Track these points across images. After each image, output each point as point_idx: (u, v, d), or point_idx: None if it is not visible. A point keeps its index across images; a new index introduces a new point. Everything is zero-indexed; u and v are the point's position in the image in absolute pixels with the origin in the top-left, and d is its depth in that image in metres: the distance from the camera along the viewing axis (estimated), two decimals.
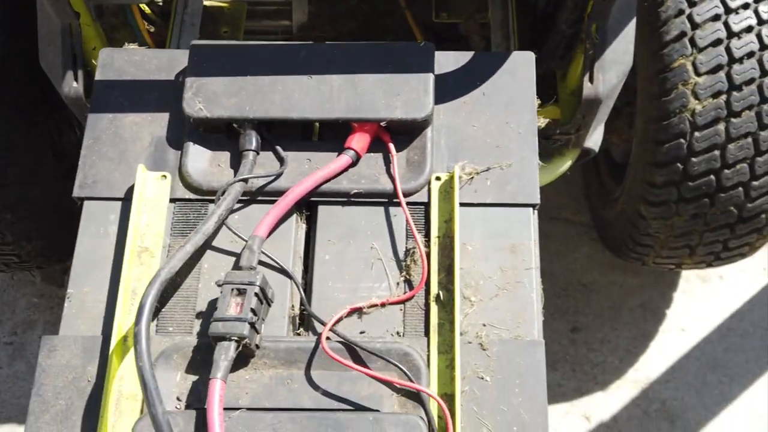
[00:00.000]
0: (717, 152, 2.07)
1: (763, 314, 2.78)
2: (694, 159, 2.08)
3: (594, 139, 2.15)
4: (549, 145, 2.10)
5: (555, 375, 2.65)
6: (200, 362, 1.42)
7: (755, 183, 2.11)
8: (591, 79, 1.88)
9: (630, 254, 2.48)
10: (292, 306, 1.51)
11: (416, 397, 1.39)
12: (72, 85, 1.84)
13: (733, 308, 2.80)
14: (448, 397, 1.39)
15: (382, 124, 1.57)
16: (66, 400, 1.41)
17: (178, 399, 1.41)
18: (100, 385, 1.41)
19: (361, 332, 1.47)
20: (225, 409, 1.33)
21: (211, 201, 1.55)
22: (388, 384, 1.40)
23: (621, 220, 2.44)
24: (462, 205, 1.54)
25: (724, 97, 2.02)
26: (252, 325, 1.38)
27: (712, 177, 2.10)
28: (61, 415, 1.40)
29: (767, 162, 2.09)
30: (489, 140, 1.60)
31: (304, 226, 1.58)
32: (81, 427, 1.39)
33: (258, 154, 1.58)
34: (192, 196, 1.57)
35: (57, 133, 2.45)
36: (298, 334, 1.49)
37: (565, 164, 2.17)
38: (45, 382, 1.42)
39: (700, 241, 2.26)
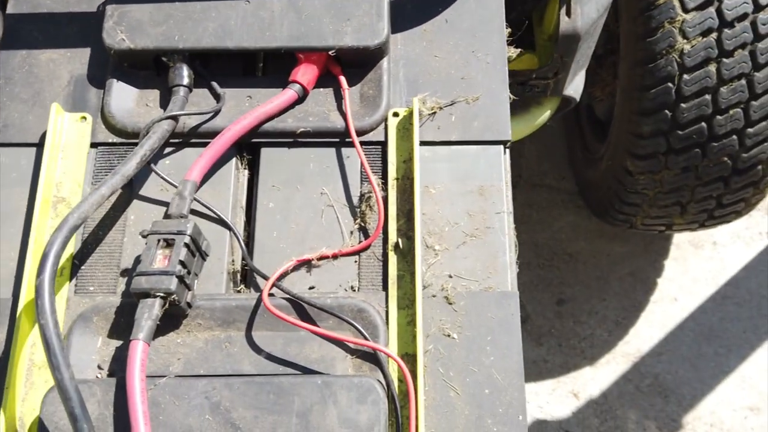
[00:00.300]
0: (708, 96, 1.92)
1: (761, 281, 2.63)
2: (683, 105, 1.92)
3: (574, 86, 1.97)
4: (525, 92, 1.92)
5: (540, 350, 2.48)
6: (124, 325, 1.24)
7: (750, 130, 1.96)
8: (568, 13, 1.71)
9: (617, 216, 2.31)
10: (232, 261, 1.33)
11: (373, 358, 1.22)
12: None
13: (728, 275, 2.65)
14: (410, 358, 1.21)
15: (330, 53, 1.38)
16: None
17: (99, 367, 1.23)
18: (7, 352, 1.22)
19: (311, 288, 1.29)
20: (151, 376, 1.15)
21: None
22: (341, 344, 1.23)
23: (606, 179, 2.27)
24: (423, 143, 1.36)
25: (714, 35, 1.87)
26: (181, 279, 1.20)
27: (704, 124, 1.94)
28: None
29: (763, 106, 1.93)
30: (453, 71, 1.42)
31: (246, 171, 1.40)
32: None
33: (191, 91, 1.39)
34: (116, 139, 1.38)
35: None
36: (238, 292, 1.30)
37: (544, 114, 2.00)
38: None
39: (691, 197, 2.10)
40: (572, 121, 2.67)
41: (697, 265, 2.66)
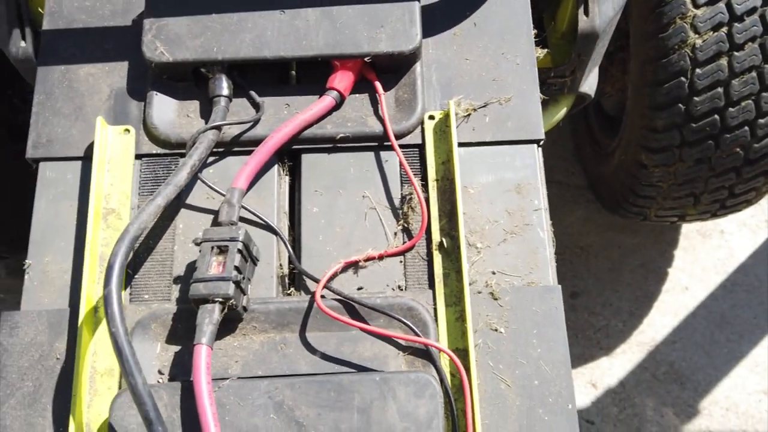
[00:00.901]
0: (720, 89, 1.97)
1: None
2: (696, 98, 1.97)
3: (589, 84, 2.02)
4: (543, 91, 1.96)
5: None
6: (182, 331, 1.27)
7: (761, 121, 2.01)
8: (586, 12, 1.75)
9: (630, 209, 2.36)
10: (280, 265, 1.36)
11: (425, 354, 1.26)
12: (20, 45, 1.66)
13: (736, 263, 2.70)
14: (461, 352, 1.25)
15: (366, 59, 1.42)
16: (33, 382, 1.25)
17: (159, 372, 1.26)
18: (70, 362, 1.26)
19: (359, 288, 1.33)
20: (213, 379, 1.18)
21: (181, 155, 1.40)
22: (393, 342, 1.27)
23: (619, 173, 2.32)
24: (460, 145, 1.40)
25: (725, 29, 1.92)
26: (237, 284, 1.24)
27: (716, 117, 1.99)
28: (28, 398, 1.24)
29: None
30: (484, 74, 1.46)
31: (287, 177, 1.44)
32: (52, 410, 1.23)
33: (230, 100, 1.43)
34: (160, 150, 1.41)
35: (11, 111, 2.28)
36: (288, 295, 1.34)
37: (561, 112, 2.04)
38: (8, 363, 1.26)
39: (705, 188, 2.15)
40: (580, 117, 2.72)
41: (706, 254, 2.71)
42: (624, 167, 2.26)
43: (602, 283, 2.66)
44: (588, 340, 2.57)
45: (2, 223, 2.19)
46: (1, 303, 2.64)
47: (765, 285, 2.65)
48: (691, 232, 2.74)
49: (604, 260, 2.71)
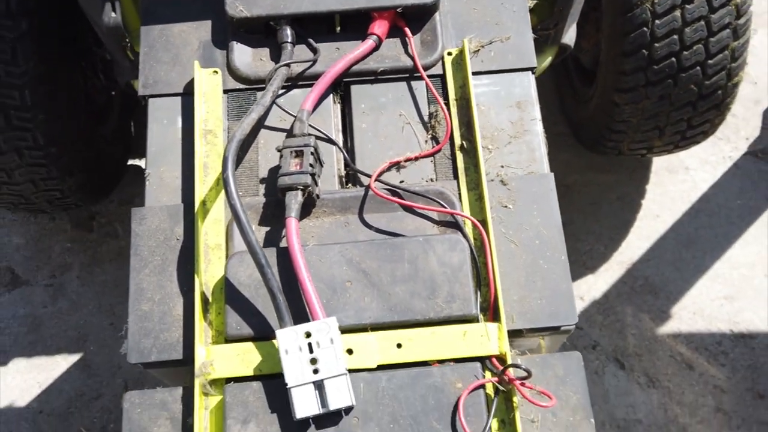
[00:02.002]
0: (676, 36, 2.37)
1: (727, 196, 3.12)
2: (656, 44, 2.39)
3: (569, 36, 2.44)
4: None
5: None
6: (270, 216, 1.69)
7: (710, 61, 2.42)
8: None
9: (607, 144, 2.79)
10: (339, 168, 1.78)
11: (454, 225, 1.67)
12: (111, 16, 2.08)
13: (699, 193, 3.13)
14: (481, 222, 1.67)
15: (398, 10, 1.84)
16: (161, 256, 1.66)
17: None
18: (188, 242, 1.67)
19: (401, 181, 1.74)
20: None
21: (259, 89, 1.81)
22: (430, 219, 1.68)
23: (596, 115, 2.75)
24: (473, 74, 1.82)
25: None
26: (312, 176, 1.65)
27: (674, 59, 2.41)
28: (158, 268, 1.65)
29: (719, 41, 2.40)
30: (489, 19, 1.89)
31: (340, 104, 1.86)
32: (177, 275, 1.64)
33: (294, 46, 1.84)
34: (241, 86, 1.83)
35: (83, 79, 2.68)
36: (348, 188, 1.76)
37: (546, 61, 2.46)
38: (140, 244, 1.67)
39: (667, 121, 2.57)
40: (562, 73, 3.16)
41: (674, 186, 3.15)
42: (600, 109, 2.69)
43: (585, 214, 3.09)
44: (575, 262, 3.00)
45: (77, 175, 2.58)
46: (69, 251, 3.05)
47: (724, 210, 3.09)
48: (660, 169, 3.18)
49: (586, 195, 3.14)
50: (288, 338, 1.47)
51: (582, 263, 2.99)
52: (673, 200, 3.12)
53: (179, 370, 1.62)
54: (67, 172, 2.52)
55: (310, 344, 1.46)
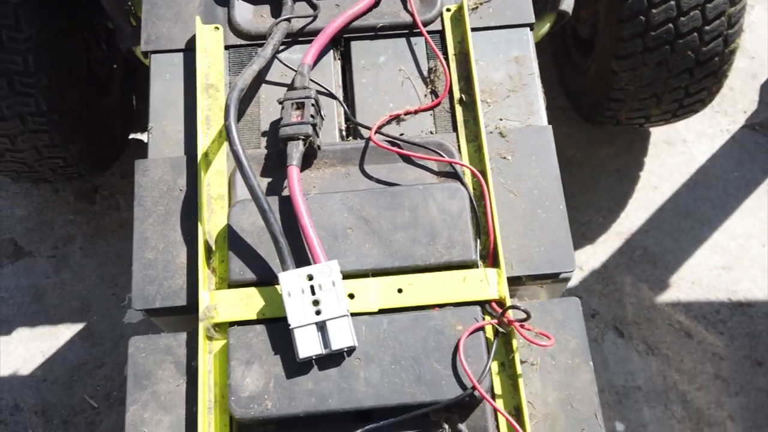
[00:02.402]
0: (673, 2, 2.39)
1: (725, 167, 3.14)
2: (653, 10, 2.40)
3: (567, 3, 2.46)
4: None
5: None
6: (272, 167, 1.71)
7: (707, 27, 2.44)
8: None
9: (605, 114, 2.81)
10: (340, 122, 1.80)
11: (454, 176, 1.69)
12: None
13: (697, 165, 3.15)
14: (481, 173, 1.69)
15: None
16: (164, 206, 1.68)
17: None
18: (190, 192, 1.69)
19: (401, 134, 1.76)
20: None
21: (260, 45, 1.83)
22: (430, 169, 1.70)
23: (594, 83, 2.77)
24: (471, 30, 1.84)
25: None
26: (314, 126, 1.67)
27: (671, 25, 2.42)
28: (162, 218, 1.67)
29: (716, 7, 2.42)
30: None
31: (340, 60, 1.88)
32: (180, 225, 1.66)
33: (295, 2, 1.86)
34: (242, 42, 1.85)
35: (85, 48, 2.70)
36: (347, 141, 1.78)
37: (544, 27, 2.48)
38: (144, 194, 1.70)
39: (665, 88, 2.59)
40: (560, 46, 3.18)
41: (671, 159, 3.17)
42: (598, 77, 2.71)
43: (585, 186, 3.11)
44: (575, 233, 3.02)
45: (79, 143, 2.60)
46: (72, 223, 3.07)
47: (721, 182, 3.11)
48: (658, 141, 3.20)
49: (586, 168, 3.16)
50: (290, 281, 1.49)
51: (581, 234, 3.01)
52: (671, 172, 3.14)
53: (182, 318, 1.64)
54: (69, 139, 2.54)
55: (312, 287, 1.48)
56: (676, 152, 3.18)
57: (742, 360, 2.77)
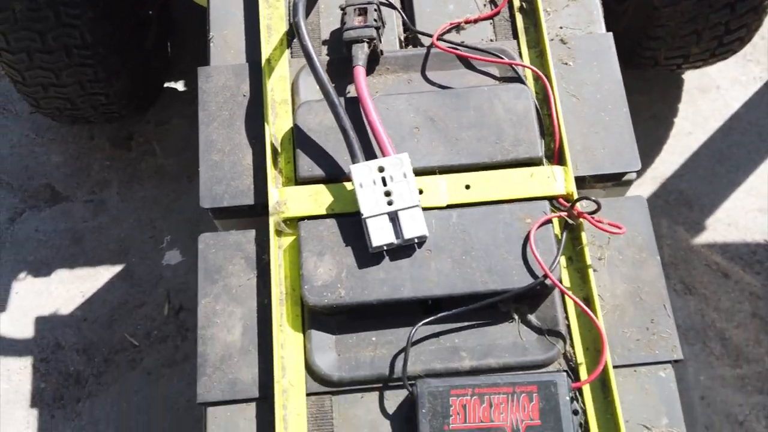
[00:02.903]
0: None
1: (759, 114, 3.15)
2: None
3: None
4: None
5: None
6: (335, 72, 1.71)
7: None
8: None
9: (644, 54, 2.80)
10: (399, 32, 1.81)
11: (516, 80, 1.69)
12: None
13: (731, 111, 3.16)
14: (544, 75, 1.69)
15: None
16: (229, 111, 1.69)
17: None
18: (254, 98, 1.69)
19: (461, 42, 1.77)
20: None
21: None
22: (491, 74, 1.71)
23: (633, 21, 2.76)
24: None
25: None
26: (377, 30, 1.68)
27: None
28: (227, 121, 1.68)
29: None
30: None
31: None
32: (245, 128, 1.67)
33: None
34: None
35: (139, 5, 2.72)
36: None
37: None
38: (208, 100, 1.70)
39: (706, 23, 2.59)
40: None
41: (706, 105, 3.18)
42: (638, 14, 2.71)
43: None
44: None
45: (122, 79, 2.61)
46: (108, 168, 3.07)
47: (756, 128, 3.11)
48: (691, 88, 3.20)
49: None
50: (362, 173, 1.50)
51: None
52: (705, 119, 3.14)
53: (245, 222, 1.65)
54: (113, 75, 2.55)
55: (383, 178, 1.49)
56: (710, 99, 3.18)
57: None
